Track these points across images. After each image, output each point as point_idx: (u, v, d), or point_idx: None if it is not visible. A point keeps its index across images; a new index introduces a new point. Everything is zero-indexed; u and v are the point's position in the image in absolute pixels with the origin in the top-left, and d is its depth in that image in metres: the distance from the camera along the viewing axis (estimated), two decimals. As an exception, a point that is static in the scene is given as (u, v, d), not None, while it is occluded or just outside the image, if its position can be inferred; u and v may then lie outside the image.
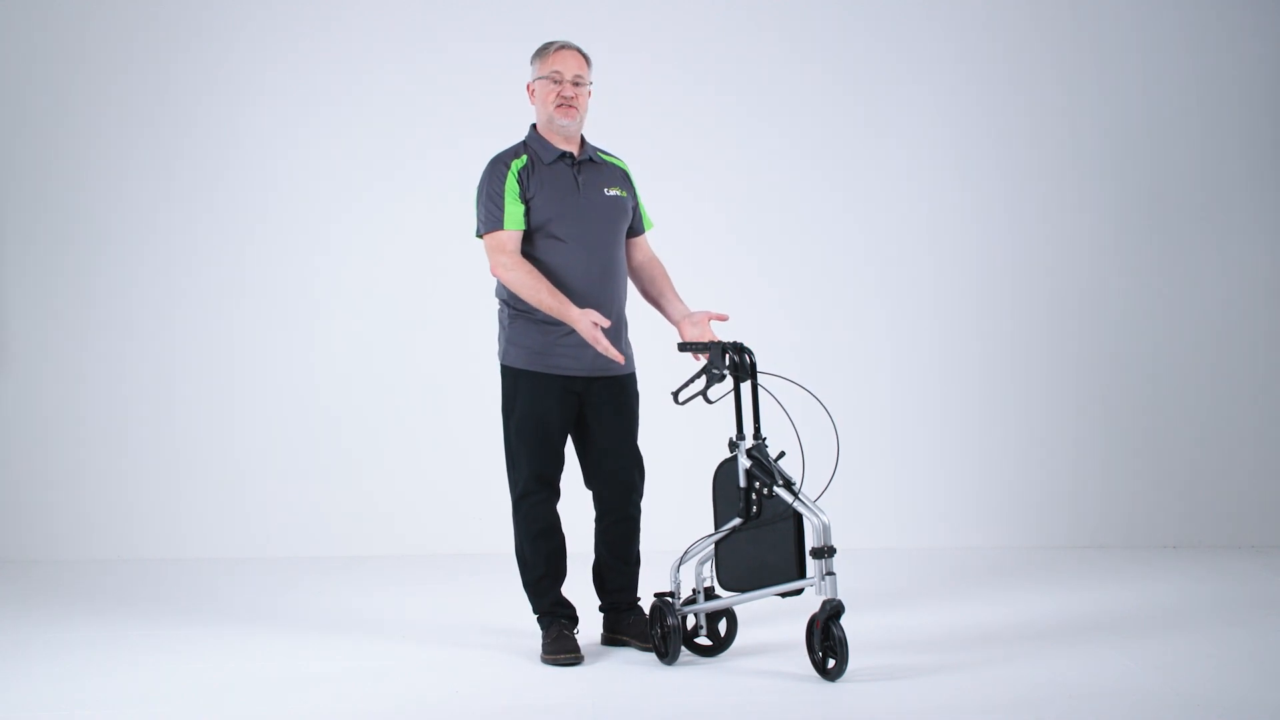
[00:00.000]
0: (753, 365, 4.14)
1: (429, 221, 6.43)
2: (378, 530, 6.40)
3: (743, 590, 4.16)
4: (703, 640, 4.36)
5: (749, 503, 4.10)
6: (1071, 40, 6.51)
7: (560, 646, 4.30)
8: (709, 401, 4.22)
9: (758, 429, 4.14)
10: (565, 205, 4.33)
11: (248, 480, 6.42)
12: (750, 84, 6.52)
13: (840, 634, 3.92)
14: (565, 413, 4.37)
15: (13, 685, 4.12)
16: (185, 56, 6.44)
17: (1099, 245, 6.50)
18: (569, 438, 4.46)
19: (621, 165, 4.53)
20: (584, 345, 4.28)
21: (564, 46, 4.41)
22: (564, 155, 4.39)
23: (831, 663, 3.96)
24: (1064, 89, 6.50)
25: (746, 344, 4.20)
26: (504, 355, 4.42)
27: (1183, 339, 6.48)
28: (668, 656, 4.23)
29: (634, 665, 4.26)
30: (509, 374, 4.40)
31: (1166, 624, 4.76)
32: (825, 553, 3.92)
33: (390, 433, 6.46)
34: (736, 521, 4.13)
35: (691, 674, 4.15)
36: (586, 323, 4.17)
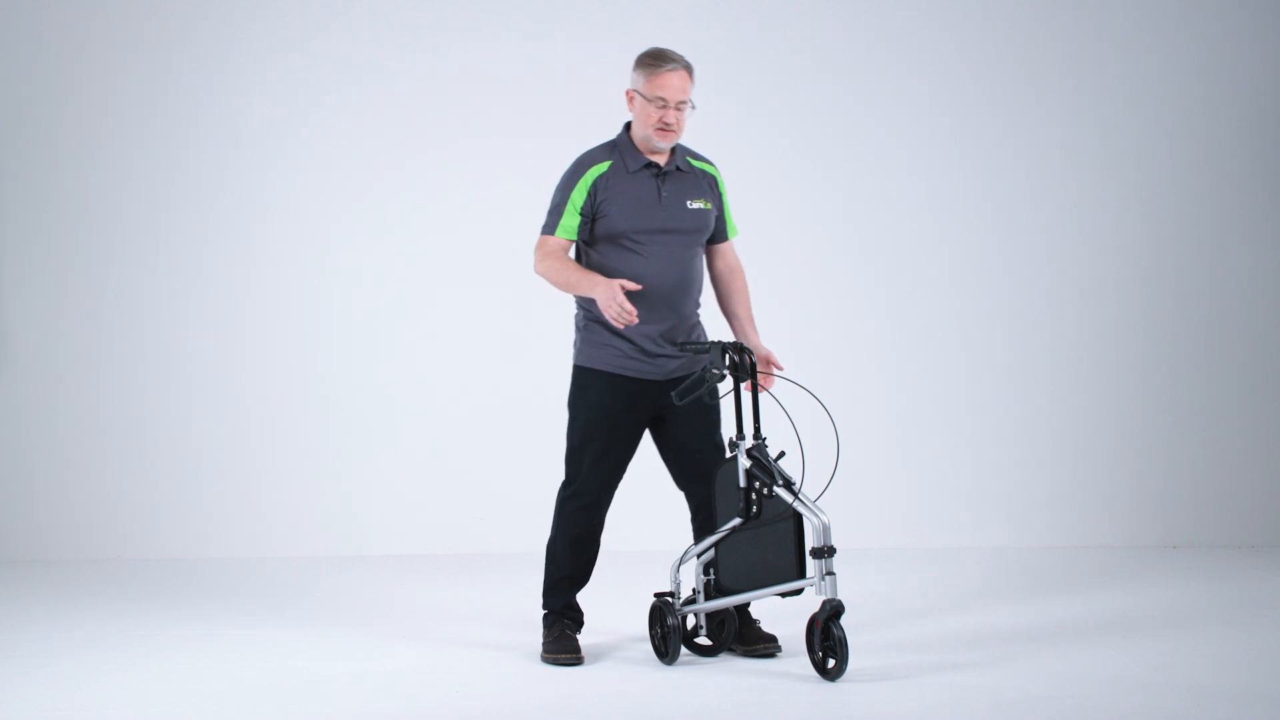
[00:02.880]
0: (752, 365, 4.14)
1: (435, 222, 6.43)
2: (378, 530, 6.40)
3: (743, 590, 4.16)
4: (703, 640, 4.36)
5: (749, 503, 4.09)
6: (1074, 39, 6.51)
7: (560, 646, 4.29)
8: (709, 401, 4.21)
9: (758, 429, 4.14)
10: (644, 217, 4.27)
11: (248, 480, 6.42)
12: (751, 83, 6.52)
13: (840, 634, 3.92)
14: (634, 417, 4.33)
15: (12, 685, 4.11)
16: (188, 51, 6.43)
17: (1099, 245, 6.50)
18: (653, 443, 4.43)
19: (711, 171, 4.43)
20: (660, 354, 4.26)
21: (674, 69, 4.24)
22: (650, 165, 4.31)
23: (831, 663, 3.96)
24: (1067, 89, 6.51)
25: (746, 344, 4.20)
26: (578, 356, 4.39)
27: (1183, 339, 6.48)
28: (668, 656, 4.23)
29: (634, 665, 4.26)
30: (581, 373, 4.37)
31: (1166, 624, 4.76)
32: (825, 553, 3.92)
33: (391, 433, 6.46)
34: (737, 521, 4.13)
35: (691, 674, 4.15)
36: (606, 291, 4.11)
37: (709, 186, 4.40)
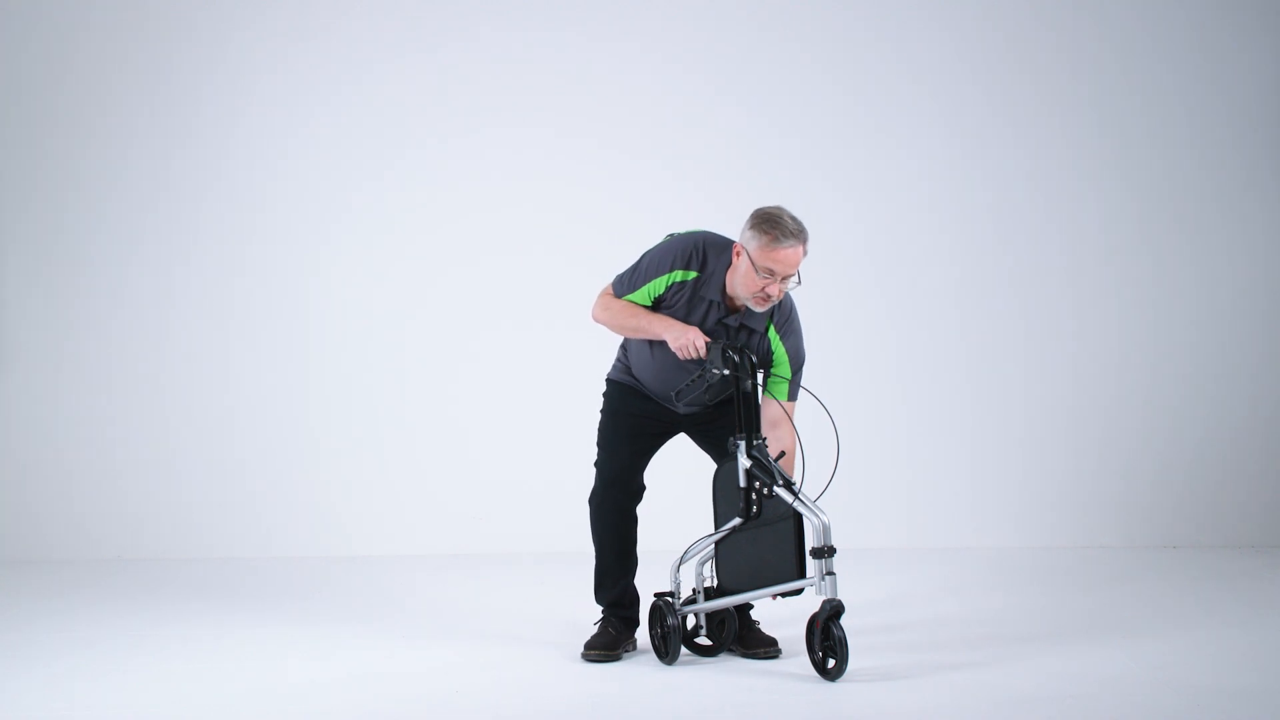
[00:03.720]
0: (753, 365, 4.13)
1: (432, 219, 6.43)
2: (378, 531, 6.40)
3: (743, 590, 4.16)
4: (703, 640, 4.36)
5: (749, 503, 4.09)
6: (1075, 42, 6.51)
7: (593, 642, 4.33)
8: (709, 401, 4.21)
9: (757, 429, 4.14)
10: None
11: (249, 480, 6.42)
12: (755, 84, 6.52)
13: (840, 634, 3.92)
14: (646, 422, 4.37)
15: (12, 685, 4.11)
16: (182, 52, 6.44)
17: (1101, 247, 6.51)
18: (693, 446, 4.47)
19: (777, 348, 4.27)
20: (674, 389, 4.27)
21: (793, 246, 4.07)
22: (718, 305, 4.22)
23: (831, 663, 3.96)
24: (1069, 93, 6.51)
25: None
26: (610, 371, 4.48)
27: (1183, 340, 6.49)
28: (668, 656, 4.23)
29: (634, 665, 4.26)
30: (606, 385, 4.47)
31: (1166, 624, 4.76)
32: (825, 553, 3.92)
33: (391, 434, 6.46)
34: (737, 521, 4.13)
35: (691, 674, 4.15)
36: (682, 336, 4.11)
37: (761, 350, 4.25)
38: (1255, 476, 6.47)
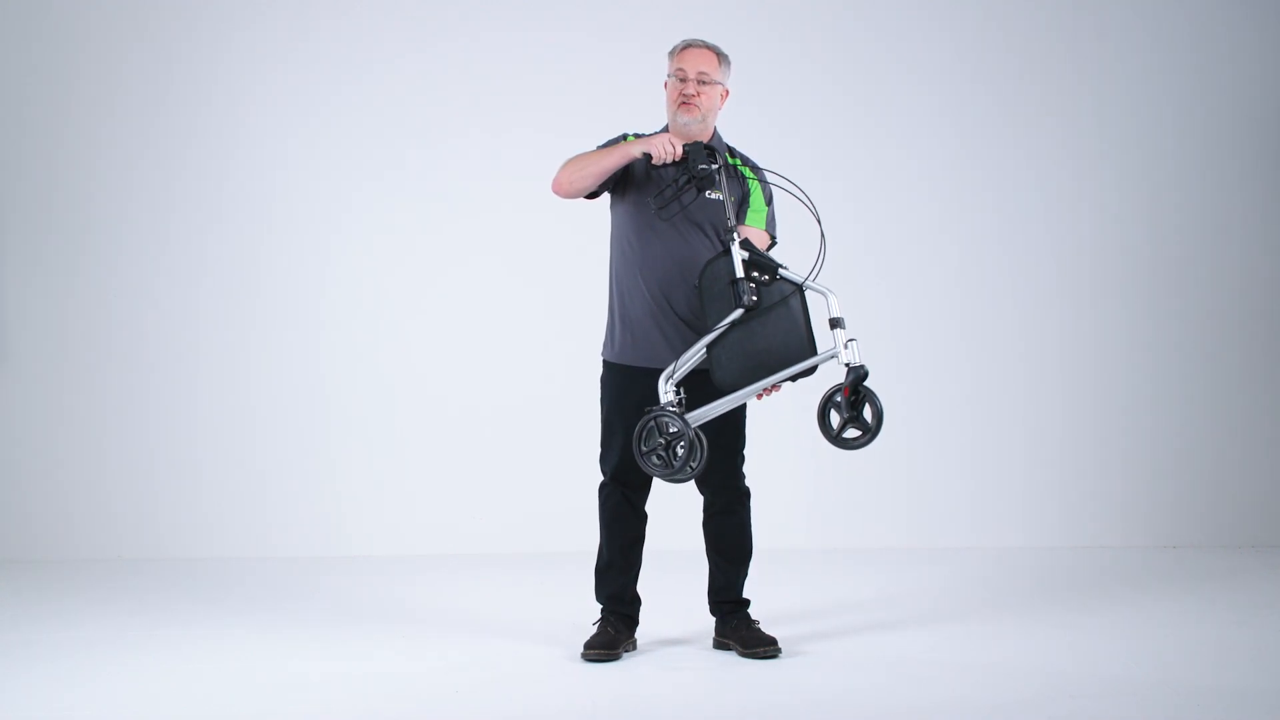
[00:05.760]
0: (727, 166, 4.19)
1: (439, 219, 6.43)
2: (378, 531, 6.39)
3: (748, 384, 4.09)
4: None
5: (747, 292, 4.05)
6: (1077, 42, 6.52)
7: (592, 642, 4.32)
8: (685, 201, 4.18)
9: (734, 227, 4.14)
10: (655, 195, 4.27)
11: (248, 480, 6.41)
12: (754, 84, 6.51)
13: (878, 405, 3.94)
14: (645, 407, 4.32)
15: (12, 685, 4.12)
16: (190, 50, 6.42)
17: (1102, 246, 6.51)
18: None
19: (748, 174, 4.37)
20: (679, 340, 4.24)
21: (689, 45, 4.35)
22: None
23: (857, 432, 3.97)
24: (1071, 92, 6.51)
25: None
26: (603, 349, 4.43)
27: (1184, 339, 6.49)
28: (679, 472, 4.11)
29: (634, 665, 4.26)
30: (604, 367, 4.42)
31: (1166, 624, 4.76)
32: (840, 323, 3.98)
33: (391, 433, 6.45)
34: (738, 314, 4.08)
35: (691, 674, 4.16)
36: (650, 140, 4.16)
37: (737, 184, 4.33)
38: (1255, 476, 6.47)
